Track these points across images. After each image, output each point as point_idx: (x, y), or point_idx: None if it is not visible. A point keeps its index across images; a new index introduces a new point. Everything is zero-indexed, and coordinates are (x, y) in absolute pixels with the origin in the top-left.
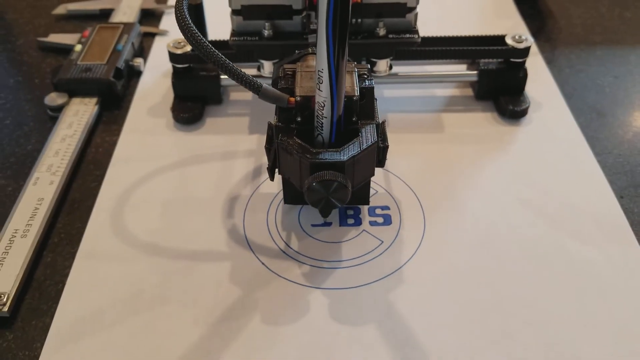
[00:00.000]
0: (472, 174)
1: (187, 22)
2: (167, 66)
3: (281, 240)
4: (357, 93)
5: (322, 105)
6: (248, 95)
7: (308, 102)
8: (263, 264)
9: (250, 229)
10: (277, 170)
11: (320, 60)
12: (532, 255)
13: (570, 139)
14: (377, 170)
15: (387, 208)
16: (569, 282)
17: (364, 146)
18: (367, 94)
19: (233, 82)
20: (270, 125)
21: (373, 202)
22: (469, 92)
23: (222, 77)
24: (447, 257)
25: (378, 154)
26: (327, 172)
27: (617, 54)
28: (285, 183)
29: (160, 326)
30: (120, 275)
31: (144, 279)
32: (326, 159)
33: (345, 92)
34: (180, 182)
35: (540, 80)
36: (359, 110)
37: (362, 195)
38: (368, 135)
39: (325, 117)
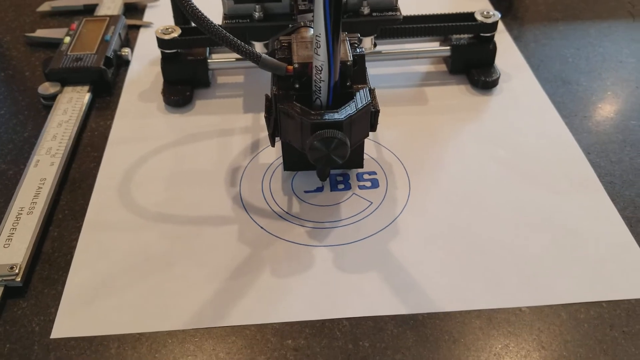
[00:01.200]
0: (451, 140)
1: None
2: (154, 55)
3: (277, 206)
4: (350, 58)
5: (320, 69)
6: (236, 78)
7: (305, 68)
8: (262, 228)
9: (248, 196)
10: (277, 137)
11: (317, 26)
12: (509, 206)
13: (539, 105)
14: (367, 141)
15: (374, 173)
16: (545, 228)
17: (360, 106)
18: (359, 61)
19: (220, 66)
20: (267, 97)
21: (362, 169)
22: (443, 67)
23: (209, 60)
24: (432, 212)
25: (370, 118)
26: (327, 131)
27: (577, 28)
28: (286, 150)
29: (170, 286)
30: (128, 244)
31: (152, 246)
32: (326, 118)
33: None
34: (178, 159)
35: (508, 55)
36: (353, 76)
37: (357, 158)
38: (362, 97)
39: (323, 81)
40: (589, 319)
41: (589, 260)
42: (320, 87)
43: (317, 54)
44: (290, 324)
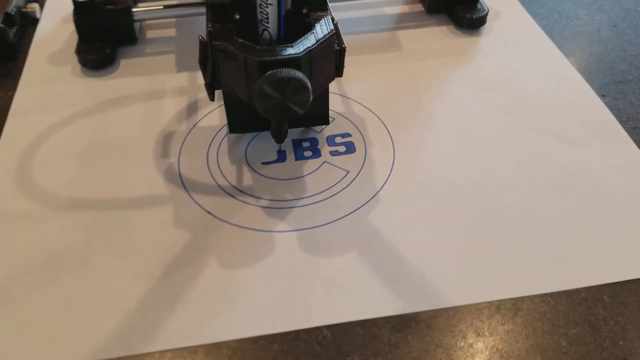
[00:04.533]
0: (437, 89)
1: None
2: (68, 9)
3: (225, 181)
4: None
5: None
6: (169, 31)
7: None
8: (206, 210)
9: (188, 171)
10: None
11: None
12: (518, 163)
13: (537, 43)
14: (333, 95)
15: (349, 135)
16: (566, 187)
17: (320, 37)
18: None
19: (148, 15)
20: (202, 39)
21: (331, 130)
22: (419, 7)
23: (134, 9)
24: (424, 179)
25: (335, 58)
26: (281, 70)
27: None
28: (229, 104)
29: (86, 292)
30: (29, 240)
31: (60, 240)
32: (278, 55)
33: None
34: (96, 129)
35: None
36: (310, 1)
37: (320, 111)
38: (323, 28)
39: (271, 4)
40: None
41: (617, 220)
42: (267, 14)
43: None
44: (252, 340)
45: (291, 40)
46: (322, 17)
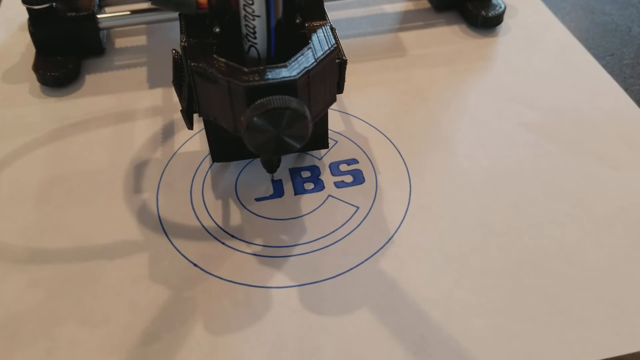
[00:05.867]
0: (453, 102)
1: None
2: (24, 17)
3: (212, 223)
4: None
5: None
6: (139, 39)
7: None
8: (190, 260)
9: (167, 211)
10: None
11: None
12: (554, 191)
13: (562, 44)
14: (331, 112)
15: (355, 161)
16: (613, 218)
17: (320, 55)
18: None
19: (115, 22)
20: (175, 53)
21: (334, 155)
22: (425, 3)
23: (99, 16)
24: (447, 213)
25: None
26: (273, 98)
27: None
28: (211, 132)
29: None
30: None
31: (14, 304)
32: (269, 78)
33: None
34: (58, 159)
35: None
36: (304, 7)
37: (318, 134)
38: (323, 40)
39: (258, 16)
40: None
41: None
42: (254, 27)
43: None
44: None
45: (284, 58)
46: (320, 27)
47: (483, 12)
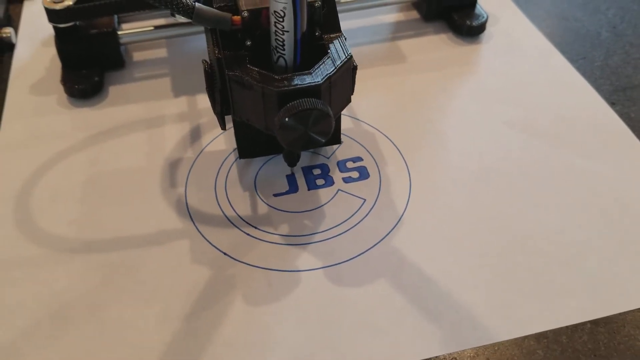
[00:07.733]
0: (445, 103)
1: None
2: (47, 32)
3: (234, 214)
4: None
5: (281, 15)
6: (159, 52)
7: (258, 17)
8: (217, 248)
9: (196, 203)
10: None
11: None
12: (537, 180)
13: (540, 49)
14: None
15: (360, 159)
16: (589, 202)
17: (339, 63)
18: (328, 1)
19: (135, 38)
20: (206, 63)
21: (341, 154)
22: (415, 14)
23: (120, 32)
24: (444, 201)
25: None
26: (302, 101)
27: None
28: (239, 131)
29: (105, 340)
30: (37, 290)
31: (71, 286)
32: (297, 84)
33: None
34: (92, 163)
35: None
36: (323, 21)
37: (334, 131)
38: (339, 50)
39: (287, 31)
40: None
41: None
42: (283, 40)
43: None
44: None
45: (307, 66)
46: (336, 38)
47: (468, 22)
